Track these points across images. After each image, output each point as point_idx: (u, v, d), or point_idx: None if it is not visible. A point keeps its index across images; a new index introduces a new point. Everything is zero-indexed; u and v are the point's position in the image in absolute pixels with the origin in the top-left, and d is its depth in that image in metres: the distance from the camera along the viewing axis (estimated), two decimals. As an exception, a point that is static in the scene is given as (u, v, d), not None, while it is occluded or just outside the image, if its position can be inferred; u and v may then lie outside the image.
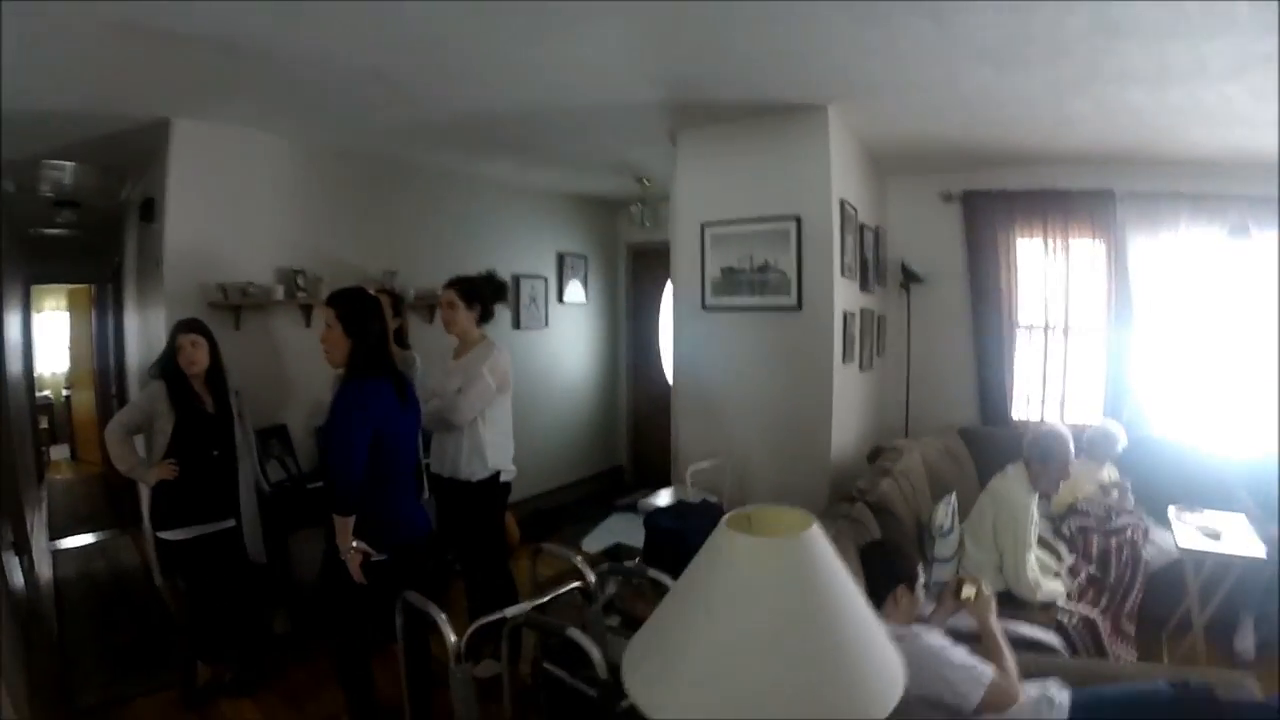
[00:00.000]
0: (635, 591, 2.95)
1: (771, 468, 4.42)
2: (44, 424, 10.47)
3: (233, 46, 3.17)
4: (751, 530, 1.14)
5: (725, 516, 1.15)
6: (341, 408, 2.83)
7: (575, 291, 7.26)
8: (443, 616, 2.45)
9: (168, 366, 3.47)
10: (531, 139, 4.92)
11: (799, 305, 4.22)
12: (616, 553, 3.58)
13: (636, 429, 7.87)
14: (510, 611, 2.52)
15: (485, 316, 3.72)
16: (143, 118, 4.19)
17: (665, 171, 5.42)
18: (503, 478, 3.66)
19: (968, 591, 2.62)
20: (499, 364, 3.57)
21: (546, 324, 6.91)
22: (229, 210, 4.48)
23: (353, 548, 2.78)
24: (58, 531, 7.13)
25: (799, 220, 4.21)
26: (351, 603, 2.93)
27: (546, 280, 6.92)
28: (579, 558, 2.89)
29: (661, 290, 7.31)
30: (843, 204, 4.35)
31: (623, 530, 5.69)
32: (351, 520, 2.78)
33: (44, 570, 5.93)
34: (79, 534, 7.03)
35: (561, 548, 2.99)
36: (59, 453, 11.02)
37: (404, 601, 2.69)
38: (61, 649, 4.41)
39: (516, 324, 6.48)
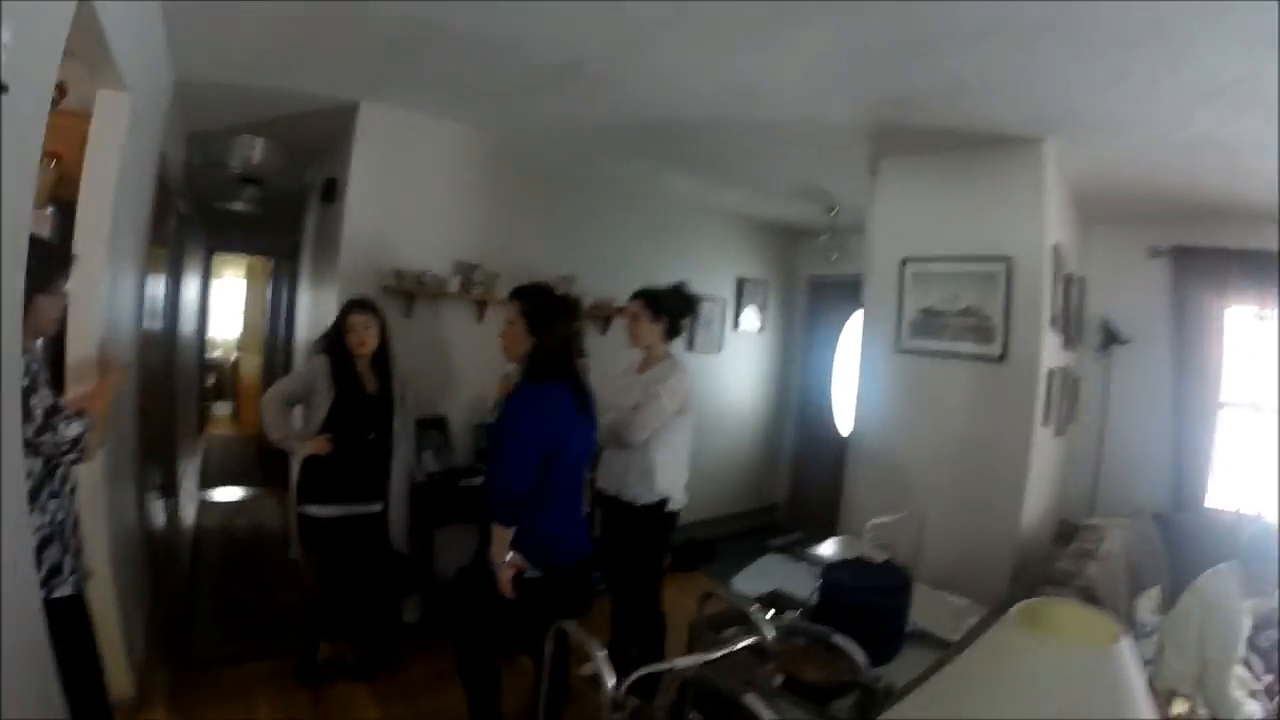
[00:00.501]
0: (803, 651, 2.58)
1: (951, 531, 3.97)
2: (211, 381, 10.95)
3: (430, 27, 3.06)
4: (1043, 627, 0.99)
5: (1014, 608, 1.01)
6: (516, 411, 2.61)
7: (751, 319, 6.90)
8: (603, 654, 2.17)
9: (334, 343, 3.40)
10: (723, 153, 4.66)
11: (1003, 356, 3.77)
12: (775, 600, 3.22)
13: (797, 468, 7.39)
14: (681, 663, 2.21)
15: (672, 332, 3.46)
16: (332, 99, 4.19)
17: (856, 202, 5.08)
18: (670, 506, 3.38)
19: (1181, 708, 2.19)
20: (679, 385, 3.30)
21: (720, 349, 6.60)
22: (410, 197, 4.44)
23: (506, 560, 2.53)
24: (208, 482, 7.43)
25: (1009, 263, 3.76)
26: (493, 611, 2.70)
27: (725, 304, 6.62)
28: (755, 608, 2.55)
29: (840, 327, 6.86)
30: (1055, 249, 3.88)
31: (778, 574, 5.25)
32: (511, 532, 2.54)
33: (188, 516, 6.12)
34: (228, 487, 7.29)
35: (735, 593, 2.66)
36: (221, 409, 11.56)
37: (559, 631, 2.43)
38: (189, 596, 4.47)
39: (690, 345, 6.13)
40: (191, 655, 3.71)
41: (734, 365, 6.73)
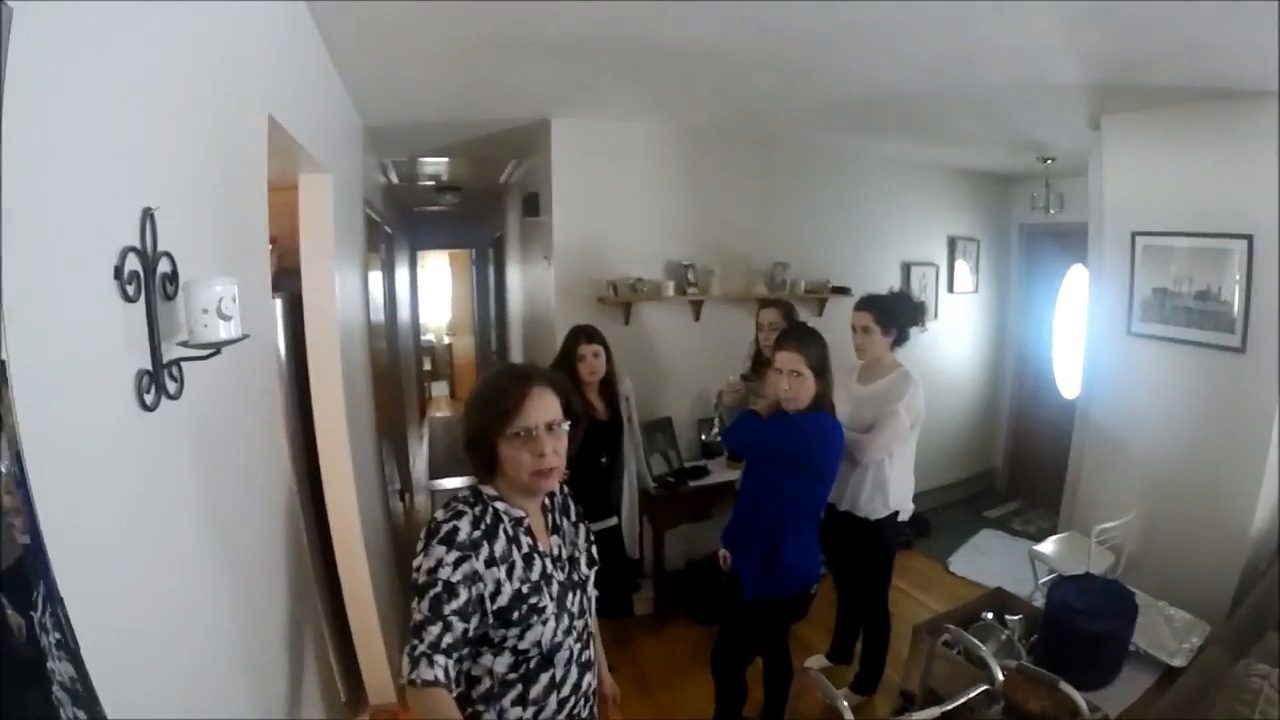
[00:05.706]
0: (1028, 679, 2.37)
1: (1176, 536, 3.56)
2: (426, 364, 11.61)
3: (608, 46, 2.87)
4: None
5: None
6: (832, 449, 2.67)
7: (964, 279, 6.23)
8: (847, 705, 2.14)
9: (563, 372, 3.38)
10: (933, 120, 4.20)
11: (1242, 346, 3.28)
12: (1000, 603, 3.02)
13: (1015, 430, 6.70)
14: (919, 717, 2.09)
15: (900, 341, 3.20)
16: (522, 120, 4.13)
17: (1074, 149, 4.52)
18: (900, 516, 3.23)
19: None
20: (917, 401, 3.05)
21: (935, 315, 5.83)
22: (614, 203, 4.34)
23: None
24: (436, 471, 7.70)
25: (1250, 241, 3.23)
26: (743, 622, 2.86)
27: (937, 268, 5.99)
28: (985, 650, 2.38)
29: (1058, 280, 6.02)
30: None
31: (996, 553, 5.13)
32: None
33: (422, 507, 6.35)
34: (456, 476, 7.40)
35: (968, 636, 2.48)
36: (439, 389, 12.17)
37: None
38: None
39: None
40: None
41: (949, 330, 6.10)
